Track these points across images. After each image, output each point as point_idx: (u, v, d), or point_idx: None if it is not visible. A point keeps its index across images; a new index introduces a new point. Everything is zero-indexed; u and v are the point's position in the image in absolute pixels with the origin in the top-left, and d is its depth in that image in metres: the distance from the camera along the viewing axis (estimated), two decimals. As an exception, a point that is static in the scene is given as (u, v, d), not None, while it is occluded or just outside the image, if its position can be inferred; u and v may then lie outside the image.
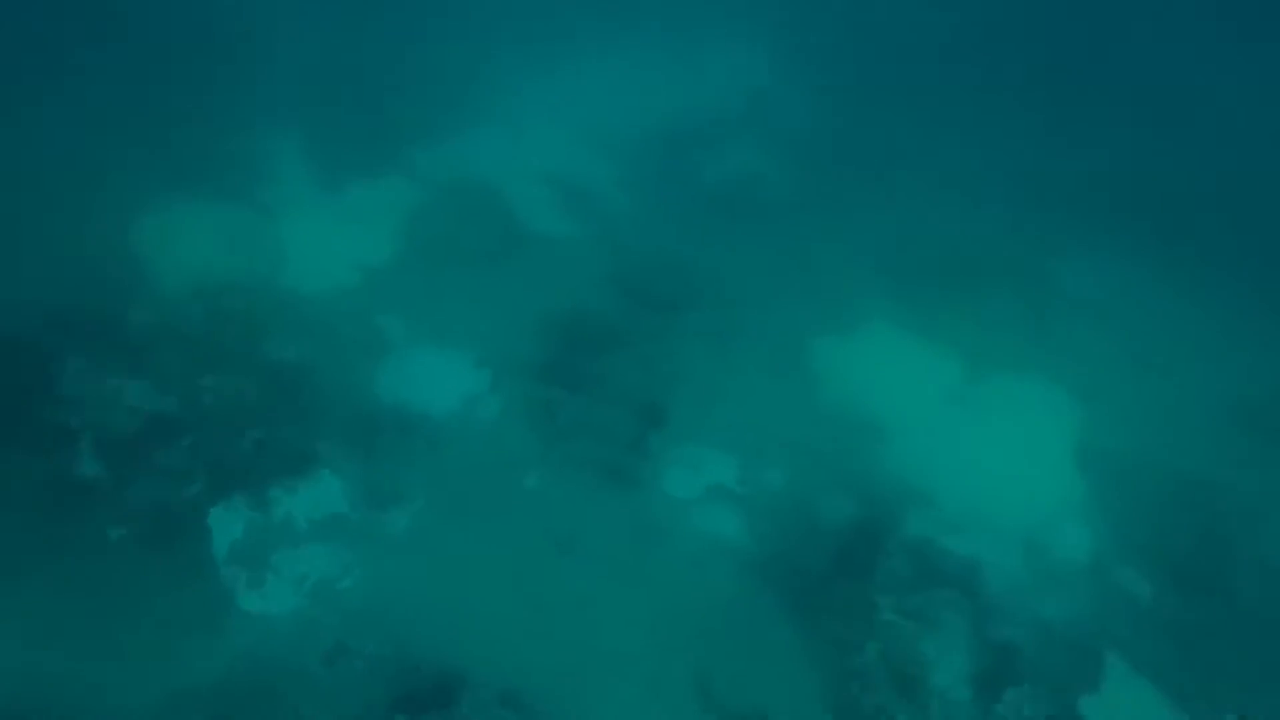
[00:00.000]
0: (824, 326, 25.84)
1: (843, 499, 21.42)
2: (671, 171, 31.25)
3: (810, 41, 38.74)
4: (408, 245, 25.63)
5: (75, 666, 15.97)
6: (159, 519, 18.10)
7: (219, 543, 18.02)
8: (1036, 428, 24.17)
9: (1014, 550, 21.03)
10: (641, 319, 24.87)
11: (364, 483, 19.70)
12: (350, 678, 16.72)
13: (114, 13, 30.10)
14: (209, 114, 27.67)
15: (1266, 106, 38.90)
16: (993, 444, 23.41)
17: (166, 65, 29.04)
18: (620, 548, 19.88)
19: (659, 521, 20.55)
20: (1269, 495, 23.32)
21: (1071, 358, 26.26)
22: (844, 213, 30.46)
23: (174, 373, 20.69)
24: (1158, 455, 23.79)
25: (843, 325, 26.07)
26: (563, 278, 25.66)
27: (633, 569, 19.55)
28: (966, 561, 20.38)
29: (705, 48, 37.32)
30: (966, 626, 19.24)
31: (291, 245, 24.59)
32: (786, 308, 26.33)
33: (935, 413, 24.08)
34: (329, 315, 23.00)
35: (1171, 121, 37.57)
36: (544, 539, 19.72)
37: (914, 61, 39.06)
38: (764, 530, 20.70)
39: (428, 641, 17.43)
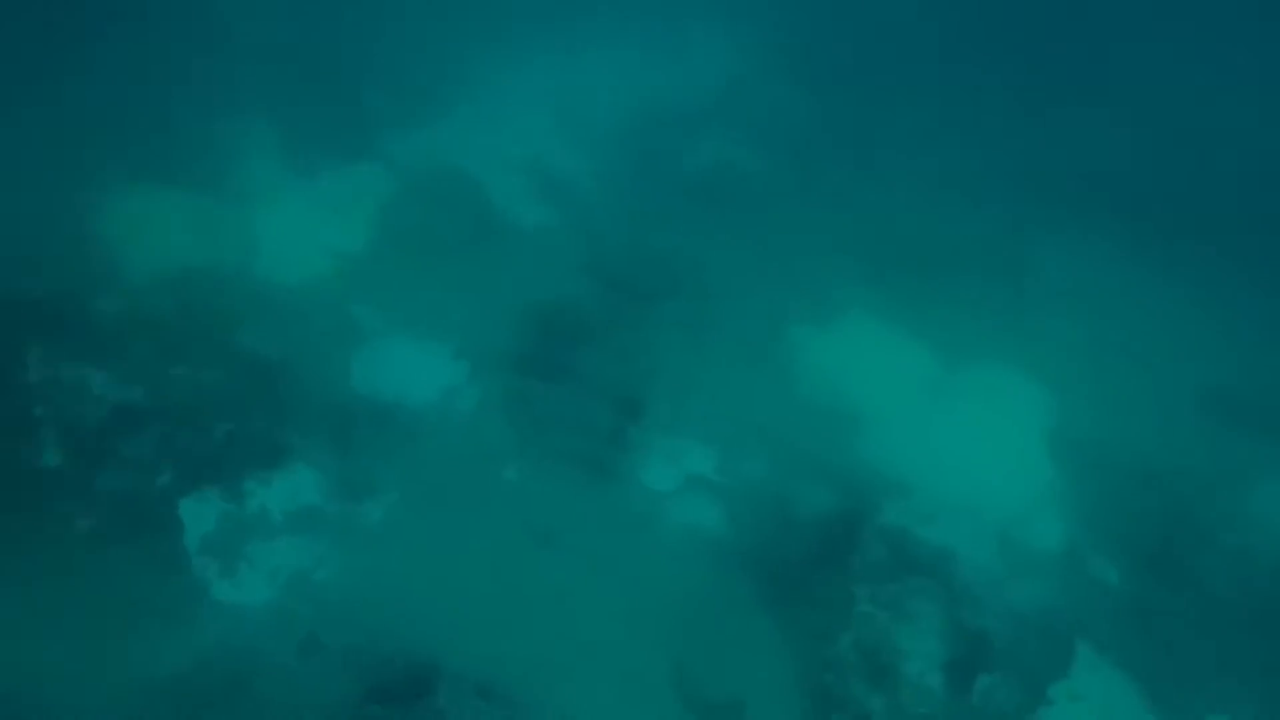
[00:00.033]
0: (802, 316, 25.94)
1: (820, 489, 21.54)
2: (649, 160, 31.16)
3: (789, 29, 38.70)
4: (382, 234, 25.33)
5: (42, 658, 15.66)
6: (127, 510, 17.77)
7: (190, 534, 17.74)
8: (1011, 417, 24.46)
9: (988, 539, 21.26)
10: (619, 309, 24.80)
11: (339, 475, 19.49)
12: (324, 669, 16.54)
13: (79, -6, 29.42)
14: (179, 98, 27.10)
15: (1242, 99, 39.59)
16: (968, 434, 23.64)
17: (136, 48, 28.37)
18: (598, 539, 19.84)
19: (637, 513, 20.54)
20: (1237, 482, 23.86)
21: (1045, 346, 26.62)
22: (821, 201, 30.60)
23: (141, 362, 20.32)
24: (1129, 444, 24.19)
25: (820, 315, 26.18)
26: (540, 267, 25.50)
27: (610, 560, 19.52)
28: (941, 551, 20.57)
29: (683, 35, 37.23)
30: (940, 615, 19.43)
31: (263, 233, 24.19)
32: (764, 297, 26.39)
33: (912, 402, 24.27)
34: (302, 305, 22.68)
35: (1148, 113, 38.07)
36: (521, 530, 19.63)
37: (892, 51, 39.24)
38: (742, 521, 20.76)
39: (403, 633, 17.27)
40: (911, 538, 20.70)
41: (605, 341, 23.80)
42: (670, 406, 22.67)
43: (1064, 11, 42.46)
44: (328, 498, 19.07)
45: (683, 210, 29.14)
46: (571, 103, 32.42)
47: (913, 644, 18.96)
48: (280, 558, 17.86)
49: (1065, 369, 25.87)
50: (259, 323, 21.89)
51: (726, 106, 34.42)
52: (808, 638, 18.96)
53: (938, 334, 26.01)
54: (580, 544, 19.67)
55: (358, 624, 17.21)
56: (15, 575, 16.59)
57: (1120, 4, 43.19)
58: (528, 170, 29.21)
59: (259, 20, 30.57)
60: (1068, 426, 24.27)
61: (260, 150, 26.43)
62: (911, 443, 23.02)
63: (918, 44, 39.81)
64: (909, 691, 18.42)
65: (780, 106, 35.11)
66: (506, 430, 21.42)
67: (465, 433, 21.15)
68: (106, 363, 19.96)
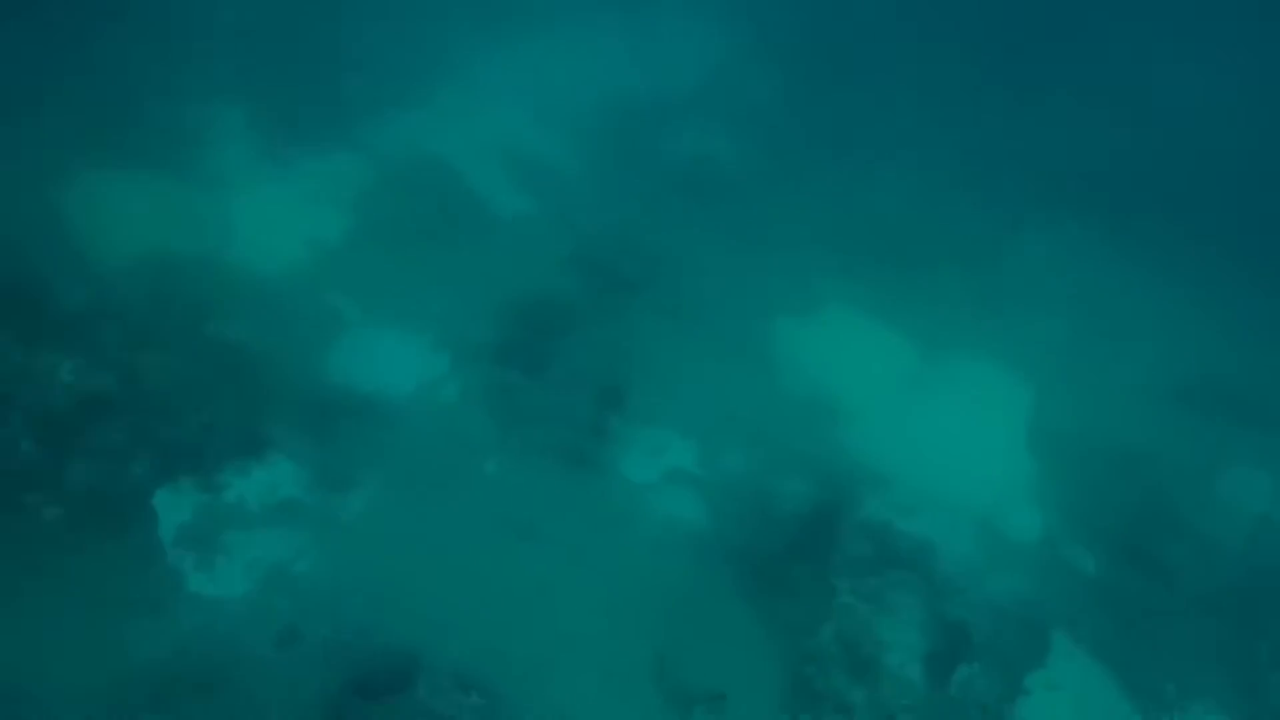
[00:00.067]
0: (782, 307, 26.00)
1: (800, 482, 21.62)
2: (630, 150, 30.99)
3: (771, 19, 38.75)
4: (360, 222, 24.91)
5: (12, 649, 15.24)
6: (99, 500, 17.31)
7: (165, 525, 17.33)
8: (989, 408, 24.76)
9: (967, 531, 21.49)
10: (600, 300, 24.66)
11: (318, 466, 19.15)
12: (303, 662, 16.26)
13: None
14: (150, 80, 26.40)
15: (1220, 91, 40.32)
16: (947, 425, 23.90)
17: (106, 27, 27.57)
18: (579, 531, 19.73)
19: (618, 505, 20.46)
20: (1211, 471, 24.39)
21: (1023, 338, 26.97)
22: (802, 192, 30.68)
23: (111, 350, 19.79)
24: (1106, 434, 24.59)
25: (801, 306, 26.26)
26: (520, 258, 25.27)
27: (591, 552, 19.43)
28: (921, 543, 20.76)
29: (666, 24, 37.08)
30: (920, 607, 19.61)
31: (237, 219, 23.65)
32: (745, 288, 26.39)
33: (892, 394, 24.47)
34: (278, 294, 22.24)
35: (1124, 106, 38.63)
36: (502, 522, 19.46)
37: (874, 42, 39.41)
38: (722, 513, 20.78)
39: (383, 626, 17.06)
40: (892, 530, 20.86)
41: (586, 332, 23.67)
42: (651, 398, 22.61)
43: (1044, 3, 42.94)
44: (306, 489, 18.73)
45: (664, 201, 29.05)
46: (552, 92, 32.17)
47: (893, 636, 19.11)
48: (258, 549, 17.52)
49: (1043, 360, 26.25)
50: (233, 311, 21.43)
51: (708, 96, 34.37)
52: (788, 630, 19.02)
53: (917, 325, 26.23)
54: (561, 536, 19.54)
55: (337, 616, 16.95)
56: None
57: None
58: (508, 158, 28.91)
59: (235, 1, 29.97)
60: (1046, 417, 24.61)
61: (234, 135, 25.86)
62: (892, 435, 23.20)
63: (899, 35, 39.97)
64: (889, 683, 18.55)
65: (761, 97, 35.15)
66: (486, 421, 21.21)
67: (445, 424, 20.91)
68: (76, 350, 19.44)
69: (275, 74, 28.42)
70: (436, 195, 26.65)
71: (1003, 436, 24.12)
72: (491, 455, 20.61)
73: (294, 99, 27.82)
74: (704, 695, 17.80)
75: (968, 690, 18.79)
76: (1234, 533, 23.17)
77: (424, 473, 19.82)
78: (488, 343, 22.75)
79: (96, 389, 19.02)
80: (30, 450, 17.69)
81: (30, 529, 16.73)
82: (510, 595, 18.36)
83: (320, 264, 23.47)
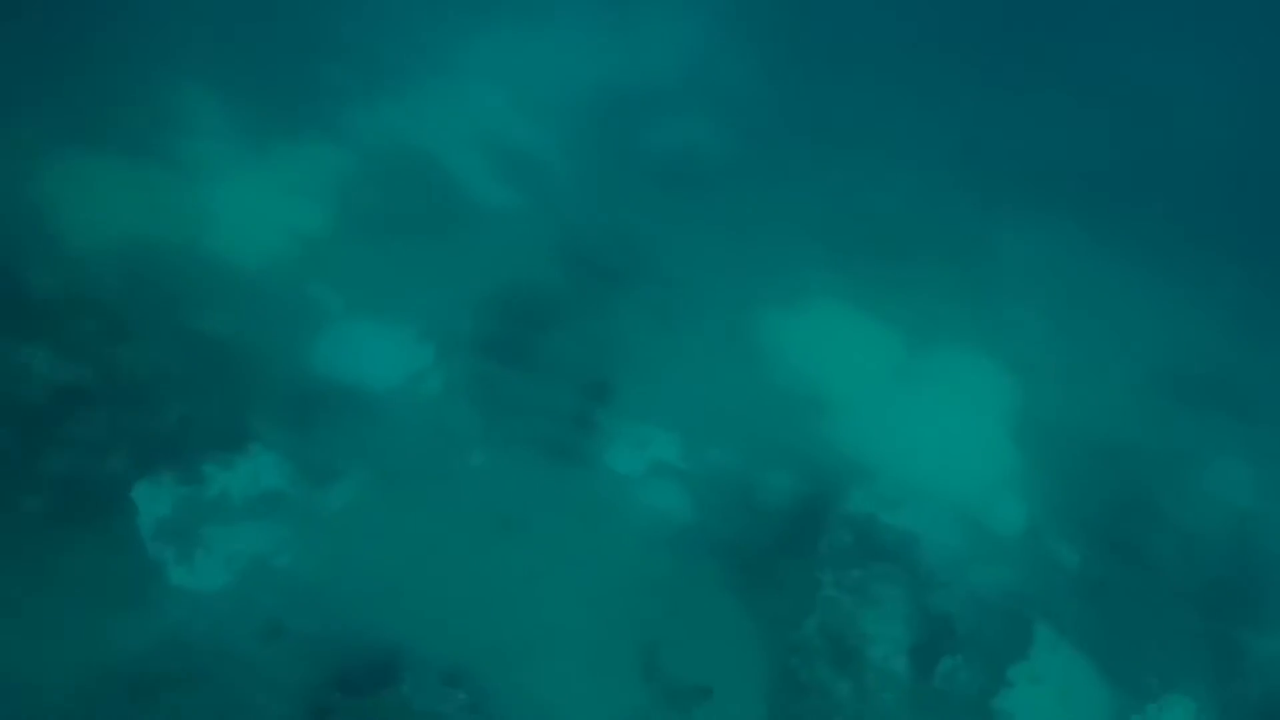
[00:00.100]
0: (768, 299, 25.98)
1: (786, 474, 21.63)
2: (615, 140, 30.87)
3: (756, 9, 38.71)
4: (342, 212, 24.62)
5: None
6: (77, 492, 17.02)
7: (145, 518, 17.07)
8: (974, 400, 24.89)
9: (952, 523, 21.59)
10: (585, 292, 24.56)
11: (301, 459, 18.92)
12: (286, 656, 16.09)
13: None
14: (127, 62, 25.93)
15: (1205, 84, 40.65)
16: (932, 418, 23.99)
17: (83, 6, 27.11)
18: (564, 524, 19.64)
19: (604, 498, 20.39)
20: (1195, 463, 24.64)
21: (1008, 330, 27.20)
22: (788, 184, 30.70)
23: (87, 341, 19.39)
24: (1089, 427, 24.83)
25: (787, 298, 26.24)
26: (505, 249, 25.07)
27: (577, 546, 19.36)
28: (906, 536, 20.80)
29: (650, 12, 36.90)
30: (904, 599, 19.66)
31: (216, 208, 23.25)
32: (731, 281, 26.37)
33: (877, 387, 24.54)
34: (258, 284, 21.93)
35: (1110, 97, 38.96)
36: (487, 515, 19.34)
37: (860, 34, 39.49)
38: (708, 506, 20.76)
39: (367, 620, 16.91)
40: (877, 523, 20.90)
41: (571, 325, 23.56)
42: (637, 391, 22.53)
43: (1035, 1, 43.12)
44: (288, 482, 18.51)
45: (649, 193, 28.96)
46: (536, 81, 31.95)
47: (878, 628, 19.14)
48: (240, 543, 17.29)
49: (1028, 352, 26.44)
50: (212, 301, 21.11)
51: (694, 87, 34.31)
52: (774, 622, 19.05)
53: (903, 318, 26.32)
54: (546, 529, 19.45)
55: (320, 610, 16.79)
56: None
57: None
58: (492, 149, 28.69)
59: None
60: (1030, 410, 24.78)
61: (215, 123, 25.47)
62: (877, 428, 23.26)
63: (885, 27, 40.12)
64: (874, 675, 18.60)
65: (748, 88, 35.11)
66: (471, 414, 21.07)
67: (429, 416, 20.74)
68: (49, 341, 19.06)
69: (257, 61, 28.02)
70: (420, 186, 26.42)
71: (987, 429, 24.25)
72: (476, 448, 20.47)
73: (275, 87, 27.46)
74: (690, 689, 17.76)
75: (951, 682, 18.88)
76: (1217, 525, 23.44)
77: (408, 465, 19.65)
78: (472, 335, 22.57)
79: (73, 380, 18.67)
80: (5, 442, 17.33)
81: (7, 522, 16.44)
82: (495, 589, 18.27)
83: (302, 254, 23.15)
